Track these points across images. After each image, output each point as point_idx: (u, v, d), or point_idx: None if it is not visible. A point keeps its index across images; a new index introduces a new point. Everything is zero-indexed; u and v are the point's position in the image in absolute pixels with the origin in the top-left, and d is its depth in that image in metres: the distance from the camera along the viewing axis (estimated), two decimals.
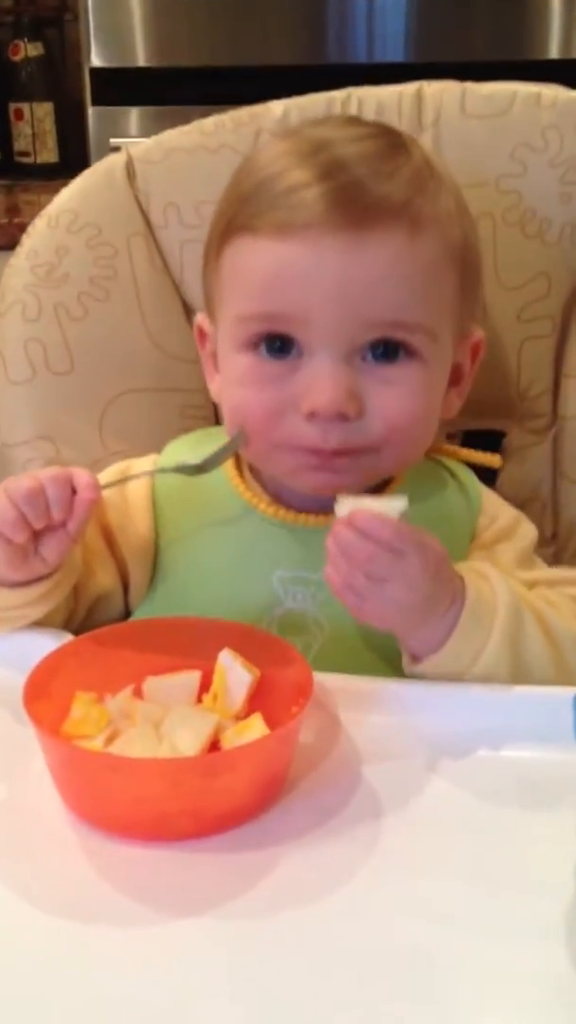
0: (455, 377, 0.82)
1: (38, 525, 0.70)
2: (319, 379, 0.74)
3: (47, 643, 0.72)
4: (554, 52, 1.84)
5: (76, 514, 0.71)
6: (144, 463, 0.87)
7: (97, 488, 0.71)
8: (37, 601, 0.75)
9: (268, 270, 0.75)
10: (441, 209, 0.77)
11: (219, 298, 0.80)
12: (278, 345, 0.75)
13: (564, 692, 0.63)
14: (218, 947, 0.55)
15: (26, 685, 0.65)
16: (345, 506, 0.71)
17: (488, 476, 0.90)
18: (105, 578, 0.82)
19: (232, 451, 0.80)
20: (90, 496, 0.71)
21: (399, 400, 0.75)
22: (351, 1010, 0.52)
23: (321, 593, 0.80)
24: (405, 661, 0.73)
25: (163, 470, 0.82)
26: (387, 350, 0.75)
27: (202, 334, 0.85)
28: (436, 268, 0.75)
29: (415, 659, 0.73)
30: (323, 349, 0.74)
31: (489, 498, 0.86)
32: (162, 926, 0.57)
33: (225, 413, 0.81)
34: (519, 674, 0.72)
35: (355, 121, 0.82)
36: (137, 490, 0.84)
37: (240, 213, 0.77)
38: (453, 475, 0.86)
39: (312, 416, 0.74)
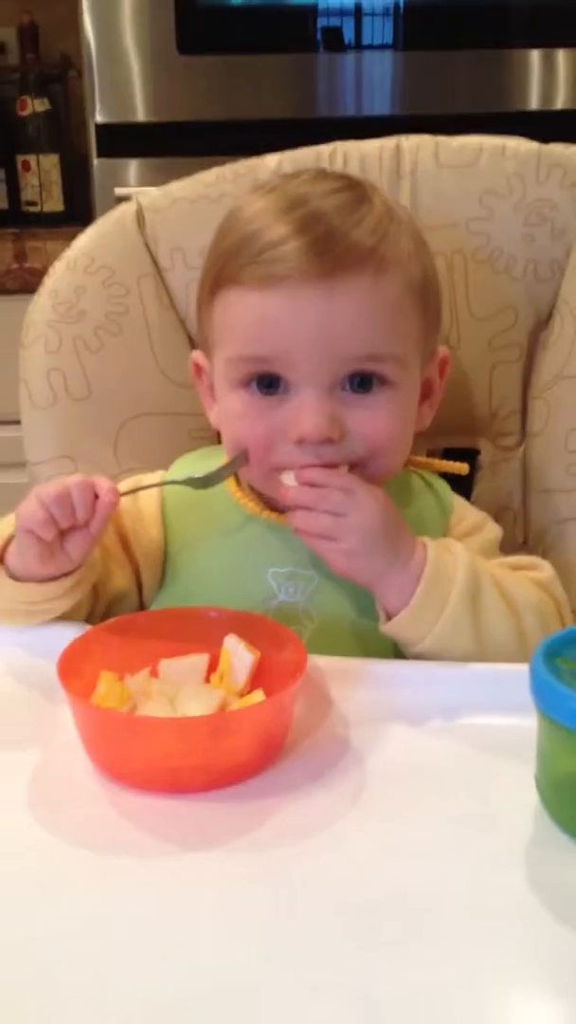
0: (426, 392, 0.91)
1: (64, 525, 0.79)
2: (304, 410, 0.83)
3: (71, 634, 0.80)
4: (534, 104, 1.91)
5: (98, 515, 0.80)
6: (153, 478, 0.95)
7: (117, 493, 0.81)
8: (63, 595, 0.83)
9: (254, 319, 0.84)
10: (402, 251, 0.85)
11: (213, 341, 0.89)
12: (267, 382, 0.85)
13: (521, 668, 0.72)
14: (222, 875, 0.64)
15: (59, 664, 0.74)
16: (290, 476, 0.84)
17: (464, 489, 1.00)
18: (122, 579, 0.91)
19: (235, 469, 0.89)
20: (111, 499, 0.80)
21: (376, 422, 0.85)
22: (335, 929, 0.59)
23: (310, 587, 0.89)
24: (381, 621, 0.82)
25: (174, 482, 0.91)
26: (363, 381, 0.84)
27: (198, 369, 0.94)
28: (400, 304, 0.84)
29: (388, 616, 0.82)
30: (307, 384, 0.83)
31: (460, 503, 0.95)
32: (175, 858, 0.65)
33: (225, 441, 0.91)
34: (481, 637, 0.81)
35: (324, 176, 0.91)
36: (148, 502, 0.93)
37: (227, 267, 0.85)
38: (428, 484, 0.95)
39: (301, 442, 0.84)
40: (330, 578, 0.88)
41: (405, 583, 0.81)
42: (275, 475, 0.87)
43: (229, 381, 0.87)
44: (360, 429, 0.84)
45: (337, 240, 0.82)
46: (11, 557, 0.83)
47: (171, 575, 0.93)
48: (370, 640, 0.85)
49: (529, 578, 0.86)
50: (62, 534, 0.80)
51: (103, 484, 0.81)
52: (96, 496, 0.80)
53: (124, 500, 0.91)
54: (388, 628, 0.82)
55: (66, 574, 0.83)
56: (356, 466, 0.86)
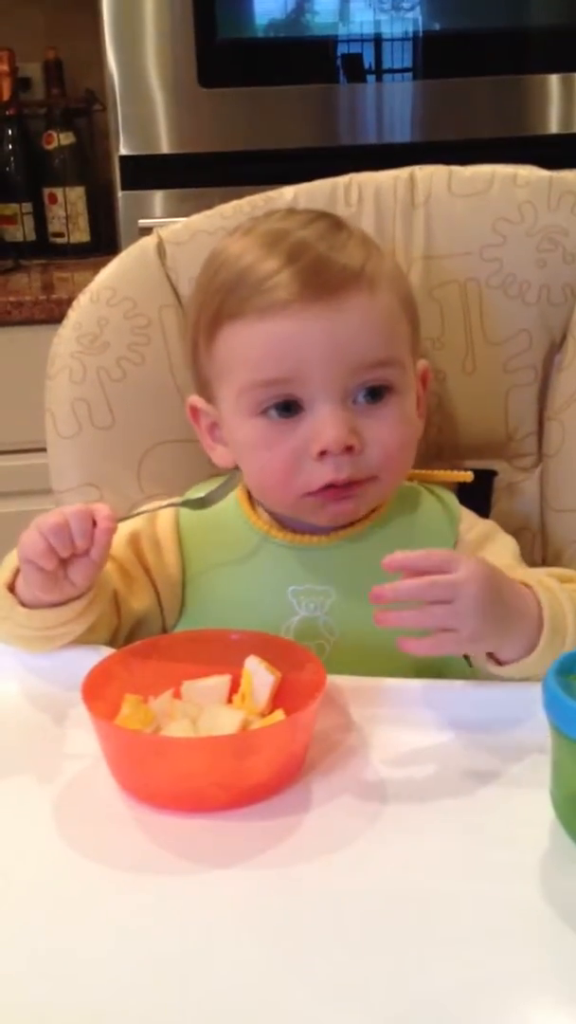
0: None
1: (64, 554, 0.81)
2: (324, 423, 0.86)
3: (94, 658, 0.81)
4: (553, 128, 1.93)
5: (97, 542, 0.81)
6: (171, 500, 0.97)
7: (115, 519, 0.82)
8: (76, 618, 0.85)
9: (263, 345, 0.86)
10: (387, 269, 0.90)
11: (217, 379, 0.91)
12: (284, 406, 0.87)
13: (535, 685, 0.72)
14: (243, 892, 0.66)
15: (83, 687, 0.76)
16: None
17: (482, 510, 1.02)
18: (144, 601, 0.93)
19: (231, 487, 0.92)
20: (107, 526, 0.81)
21: (390, 430, 0.88)
22: (355, 944, 0.61)
23: (328, 601, 0.91)
24: (481, 664, 0.81)
25: (172, 504, 0.94)
26: (373, 391, 0.87)
27: (195, 412, 0.96)
28: (394, 314, 0.89)
29: (500, 663, 0.80)
30: (322, 399, 0.86)
31: (467, 512, 0.97)
32: (199, 876, 0.67)
33: (246, 472, 0.92)
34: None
35: (295, 212, 0.96)
36: (164, 528, 0.95)
37: (226, 303, 0.88)
38: (435, 495, 0.97)
39: (323, 455, 0.86)
40: (346, 592, 0.91)
41: (527, 630, 0.79)
42: (303, 500, 0.89)
43: (243, 412, 0.89)
44: (376, 438, 0.87)
45: (327, 264, 0.86)
46: (20, 586, 0.84)
47: (191, 600, 0.95)
48: (392, 651, 0.86)
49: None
50: (64, 562, 0.82)
51: (101, 512, 0.82)
52: (95, 524, 0.82)
53: (142, 526, 0.94)
54: (503, 671, 0.80)
55: (74, 599, 0.84)
56: (372, 480, 0.88)
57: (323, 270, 0.86)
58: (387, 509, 0.94)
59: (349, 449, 0.86)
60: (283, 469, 0.88)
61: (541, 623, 0.79)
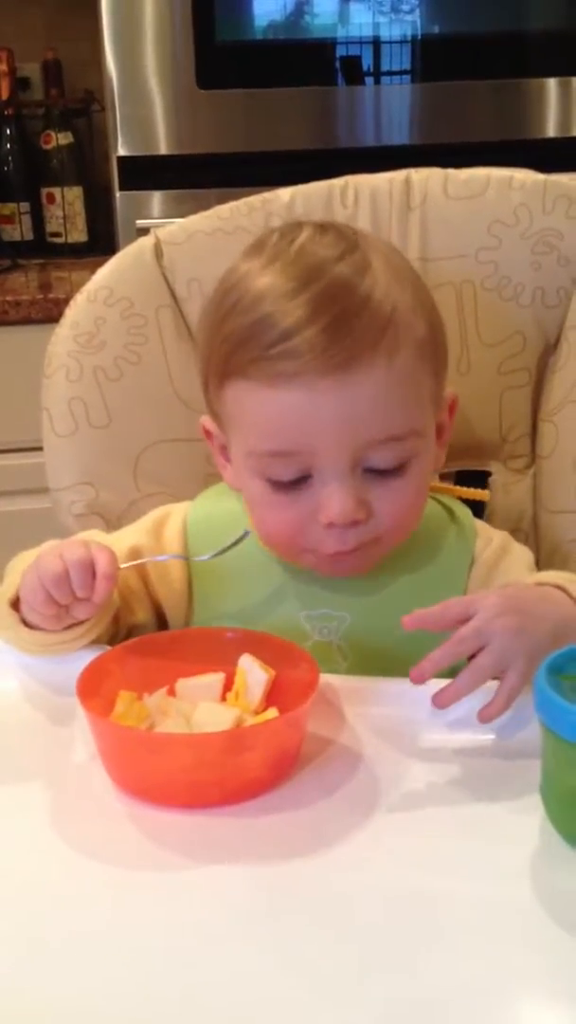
0: (439, 433, 0.90)
1: (64, 602, 0.80)
2: (331, 495, 0.82)
3: (88, 656, 0.81)
4: (551, 131, 1.93)
5: (97, 592, 0.80)
6: (177, 512, 0.96)
7: (114, 576, 0.80)
8: (80, 637, 0.85)
9: (269, 417, 0.82)
10: (407, 313, 0.83)
11: (227, 424, 0.88)
12: (289, 476, 0.83)
13: (526, 693, 0.74)
14: (237, 888, 0.66)
15: (78, 684, 0.76)
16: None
17: (476, 511, 1.02)
18: (142, 615, 0.92)
19: (237, 545, 0.89)
20: (107, 585, 0.80)
21: (402, 499, 0.85)
22: (348, 940, 0.61)
23: (343, 626, 0.91)
24: None
25: (171, 557, 0.91)
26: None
27: (208, 432, 0.92)
28: (413, 375, 0.83)
29: None
30: (330, 470, 0.82)
31: (481, 525, 0.96)
32: (191, 872, 0.67)
33: (254, 525, 0.89)
34: None
35: (324, 232, 0.86)
36: (171, 541, 0.93)
37: (235, 357, 0.83)
38: (448, 510, 0.96)
39: (330, 526, 0.83)
40: (363, 617, 0.90)
41: (572, 624, 0.79)
42: (306, 555, 0.87)
43: (250, 470, 0.86)
44: (386, 508, 0.84)
45: (351, 324, 0.80)
46: (24, 607, 0.84)
47: (200, 615, 0.94)
48: (404, 674, 0.85)
49: None
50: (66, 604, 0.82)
51: (101, 560, 0.80)
52: (95, 573, 0.80)
53: (147, 540, 0.93)
54: None
55: (77, 624, 0.84)
56: (377, 541, 0.86)
57: (344, 335, 0.79)
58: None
59: (357, 522, 0.83)
60: (288, 532, 0.86)
61: None
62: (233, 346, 0.83)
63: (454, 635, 0.77)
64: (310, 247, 0.84)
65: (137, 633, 0.93)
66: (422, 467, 0.86)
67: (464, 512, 0.97)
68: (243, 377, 0.83)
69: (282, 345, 0.80)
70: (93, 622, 0.85)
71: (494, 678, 0.77)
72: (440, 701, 0.77)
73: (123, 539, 0.94)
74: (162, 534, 0.94)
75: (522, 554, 0.96)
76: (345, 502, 0.82)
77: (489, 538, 0.95)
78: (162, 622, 0.95)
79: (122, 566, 0.83)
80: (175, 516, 0.95)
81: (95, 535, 0.94)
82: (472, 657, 0.78)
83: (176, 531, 0.94)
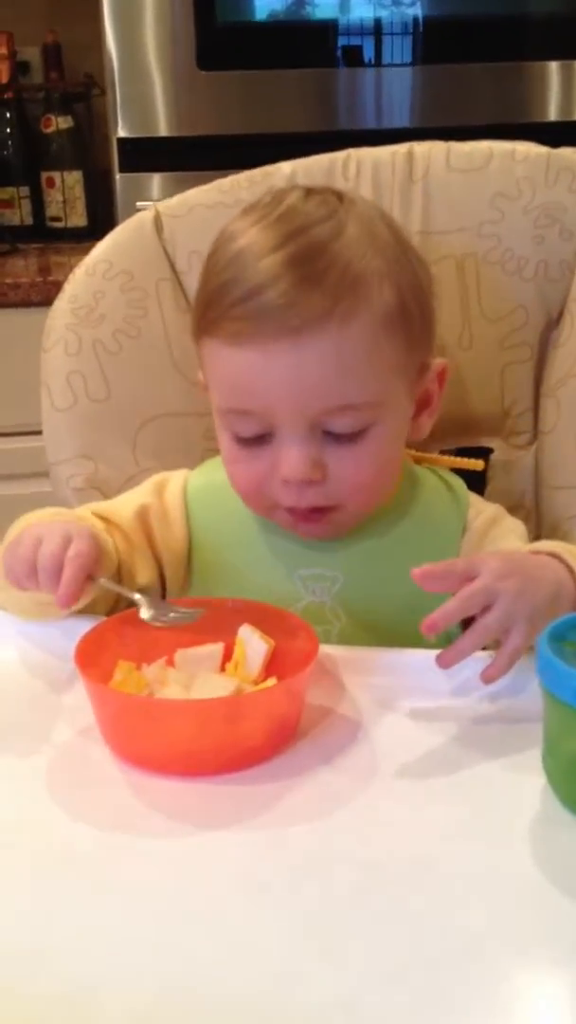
0: (424, 403, 0.91)
1: (35, 590, 0.81)
2: (287, 455, 0.84)
3: (87, 625, 0.81)
4: (552, 115, 1.93)
5: (58, 598, 0.79)
6: (177, 476, 0.97)
7: (75, 584, 0.79)
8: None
9: (229, 375, 0.85)
10: (372, 285, 0.83)
11: (206, 379, 0.90)
12: (251, 432, 0.86)
13: (526, 657, 0.74)
14: (236, 854, 0.66)
15: (76, 652, 0.76)
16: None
17: (478, 487, 1.02)
18: (146, 573, 0.92)
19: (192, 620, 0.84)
20: (68, 594, 0.79)
21: (358, 464, 0.85)
22: (348, 906, 0.61)
23: (335, 587, 0.91)
24: None
25: (134, 595, 0.84)
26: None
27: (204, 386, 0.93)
28: (372, 344, 0.83)
29: None
30: (288, 430, 0.84)
31: (475, 498, 0.97)
32: (190, 838, 0.67)
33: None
34: None
35: (306, 201, 0.87)
36: (173, 500, 0.95)
37: (207, 314, 0.86)
38: (443, 480, 0.97)
39: (286, 483, 0.85)
40: (356, 578, 0.91)
41: (568, 593, 0.80)
42: (274, 513, 0.89)
43: (219, 426, 0.89)
44: (341, 472, 0.85)
45: (310, 289, 0.81)
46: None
47: (197, 576, 0.95)
48: (394, 636, 0.86)
49: None
50: None
51: (68, 569, 0.79)
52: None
53: (151, 499, 0.94)
54: None
55: None
56: (337, 508, 0.87)
57: (289, 307, 0.81)
58: (395, 496, 0.93)
59: (310, 481, 0.85)
60: (252, 486, 0.88)
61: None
62: (205, 304, 0.86)
63: (462, 591, 0.76)
64: (291, 211, 0.86)
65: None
66: (385, 435, 0.86)
67: (459, 484, 0.97)
68: (211, 335, 0.86)
69: (242, 306, 0.82)
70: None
71: (494, 643, 0.78)
72: (444, 661, 0.77)
73: (129, 500, 0.95)
74: (163, 495, 0.95)
75: (514, 525, 0.96)
76: (299, 461, 0.84)
77: (480, 509, 0.96)
78: (164, 585, 0.95)
79: (101, 581, 0.83)
80: (175, 480, 0.97)
81: (94, 507, 0.94)
82: (467, 622, 0.78)
83: (177, 493, 0.95)
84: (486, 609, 0.76)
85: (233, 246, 0.85)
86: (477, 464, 0.98)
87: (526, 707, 0.75)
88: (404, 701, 0.79)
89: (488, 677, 0.77)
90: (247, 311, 0.82)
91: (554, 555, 0.82)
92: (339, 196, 0.88)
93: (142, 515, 0.94)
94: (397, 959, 0.58)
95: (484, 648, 0.78)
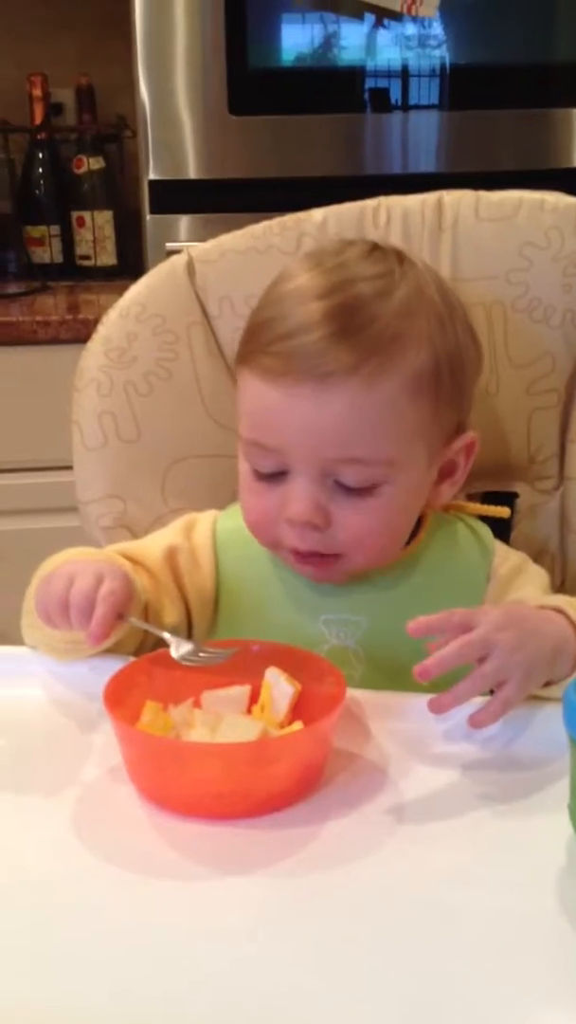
0: (448, 472, 0.93)
1: (67, 629, 0.83)
2: (295, 493, 0.86)
3: (116, 666, 0.82)
4: None
5: (90, 636, 0.81)
6: (206, 517, 0.98)
7: (107, 623, 0.81)
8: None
9: (255, 408, 0.88)
10: (408, 347, 0.85)
11: (238, 406, 0.92)
12: (267, 466, 0.88)
13: (550, 705, 0.75)
14: (259, 899, 0.66)
15: (105, 693, 0.77)
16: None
17: (503, 532, 1.02)
18: (173, 613, 0.93)
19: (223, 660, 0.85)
20: (100, 632, 0.80)
21: (361, 518, 0.86)
22: (370, 953, 0.61)
23: (359, 632, 0.92)
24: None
25: (160, 632, 0.86)
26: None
27: None
28: (393, 405, 0.85)
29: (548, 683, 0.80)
30: (300, 471, 0.86)
31: (500, 546, 0.97)
32: (215, 882, 0.68)
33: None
34: None
35: (368, 254, 0.90)
36: (202, 541, 0.96)
37: (247, 344, 0.89)
38: (470, 528, 0.97)
39: (290, 522, 0.87)
40: (379, 622, 0.91)
41: (569, 649, 0.80)
42: (277, 547, 0.90)
43: (241, 454, 0.91)
44: (344, 522, 0.87)
45: (346, 341, 0.83)
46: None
47: (223, 617, 0.96)
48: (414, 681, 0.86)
49: None
50: None
51: (100, 608, 0.81)
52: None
53: (179, 540, 0.96)
54: (553, 692, 0.80)
55: None
56: (339, 557, 0.88)
57: (320, 355, 0.83)
58: (422, 541, 0.94)
59: (312, 525, 0.86)
60: (260, 518, 0.90)
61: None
62: (248, 335, 0.90)
63: (460, 639, 0.78)
64: (350, 263, 0.89)
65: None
66: (395, 495, 0.87)
67: (484, 530, 0.98)
68: (246, 365, 0.89)
69: (279, 344, 0.85)
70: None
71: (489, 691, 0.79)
72: (437, 706, 0.78)
73: (157, 541, 0.96)
74: (192, 536, 0.97)
75: (537, 574, 0.97)
76: (304, 503, 0.86)
77: (506, 557, 0.97)
78: (191, 625, 0.96)
79: (131, 621, 0.84)
80: (203, 521, 0.99)
81: (121, 547, 0.95)
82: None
83: (206, 534, 0.97)
84: (483, 659, 0.77)
85: (285, 286, 0.89)
86: (503, 512, 0.99)
87: (553, 756, 0.75)
88: (430, 747, 0.80)
89: (477, 722, 0.78)
90: (281, 350, 0.85)
91: (559, 610, 0.83)
92: (400, 257, 0.90)
93: (170, 556, 0.95)
94: (418, 1006, 0.58)
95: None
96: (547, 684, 0.80)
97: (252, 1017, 0.57)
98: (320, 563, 0.89)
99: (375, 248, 0.91)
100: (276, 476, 0.88)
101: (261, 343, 0.87)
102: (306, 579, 0.93)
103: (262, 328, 0.88)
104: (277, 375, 0.85)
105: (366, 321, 0.84)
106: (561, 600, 0.86)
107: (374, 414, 0.85)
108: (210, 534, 0.97)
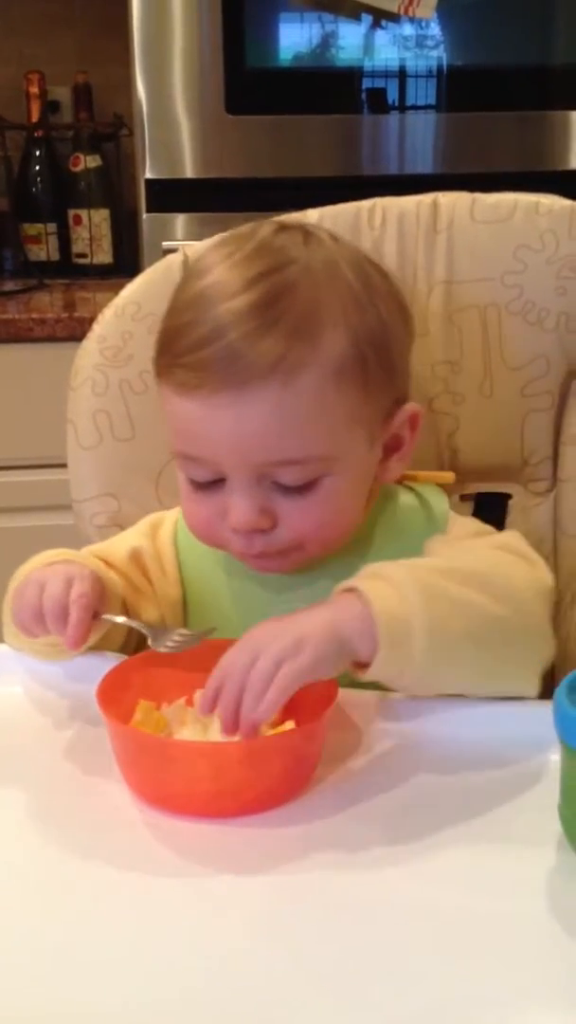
0: (394, 446, 0.91)
1: (43, 635, 0.83)
2: (235, 501, 0.84)
3: (107, 665, 0.82)
4: (574, 164, 1.95)
5: (67, 639, 0.81)
6: (170, 517, 0.98)
7: (83, 625, 0.81)
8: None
9: (178, 421, 0.85)
10: (324, 339, 0.82)
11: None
12: (201, 476, 0.86)
13: (545, 703, 0.73)
14: (250, 898, 0.67)
15: (98, 692, 0.77)
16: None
17: (499, 527, 1.03)
18: (152, 613, 0.94)
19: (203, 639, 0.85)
20: (77, 634, 0.81)
21: (307, 514, 0.85)
22: (360, 953, 0.62)
23: None
24: (351, 672, 0.79)
25: (138, 625, 0.87)
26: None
27: None
28: (318, 399, 0.82)
29: (361, 667, 0.78)
30: (235, 478, 0.84)
31: (459, 519, 0.95)
32: (206, 880, 0.68)
33: None
34: (472, 637, 0.79)
35: (275, 246, 0.86)
36: (164, 544, 0.97)
37: (160, 358, 0.86)
38: (420, 497, 0.96)
39: (235, 531, 0.85)
40: None
41: (361, 631, 0.77)
42: (224, 548, 0.89)
43: (177, 465, 0.89)
44: (291, 522, 0.85)
45: (257, 342, 0.80)
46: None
47: (192, 618, 0.96)
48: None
49: (485, 544, 0.89)
50: None
51: (74, 610, 0.81)
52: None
53: (144, 542, 0.96)
54: (366, 676, 0.78)
55: None
56: (292, 550, 0.87)
57: (231, 362, 0.80)
58: (369, 519, 0.93)
59: (259, 530, 0.85)
60: (204, 527, 0.89)
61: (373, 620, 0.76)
62: (161, 345, 0.87)
63: (212, 686, 0.75)
64: (258, 252, 0.85)
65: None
66: (338, 486, 0.86)
67: (438, 501, 0.96)
68: (163, 379, 0.86)
69: (192, 355, 0.82)
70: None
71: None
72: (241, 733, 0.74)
73: (124, 541, 0.97)
74: (157, 536, 0.97)
75: (467, 522, 0.95)
76: (246, 510, 0.84)
77: (463, 524, 0.95)
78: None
79: (105, 617, 0.84)
80: (168, 521, 0.99)
81: (93, 549, 0.96)
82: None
83: (168, 536, 0.97)
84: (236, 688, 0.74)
85: (196, 285, 0.85)
86: (447, 477, 0.98)
87: (543, 757, 0.76)
88: (420, 748, 0.80)
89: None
90: (194, 362, 0.82)
91: (353, 589, 0.79)
92: (306, 236, 0.87)
93: (136, 557, 0.95)
94: (410, 1008, 0.58)
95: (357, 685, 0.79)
96: (362, 666, 0.77)
97: (246, 1015, 0.58)
98: (273, 558, 0.88)
99: (281, 228, 0.88)
100: (213, 484, 0.86)
101: (174, 354, 0.84)
102: (263, 575, 0.92)
103: (174, 336, 0.84)
104: (192, 388, 0.82)
105: (274, 318, 0.81)
106: (369, 575, 0.81)
107: (299, 413, 0.82)
108: (171, 536, 0.97)
